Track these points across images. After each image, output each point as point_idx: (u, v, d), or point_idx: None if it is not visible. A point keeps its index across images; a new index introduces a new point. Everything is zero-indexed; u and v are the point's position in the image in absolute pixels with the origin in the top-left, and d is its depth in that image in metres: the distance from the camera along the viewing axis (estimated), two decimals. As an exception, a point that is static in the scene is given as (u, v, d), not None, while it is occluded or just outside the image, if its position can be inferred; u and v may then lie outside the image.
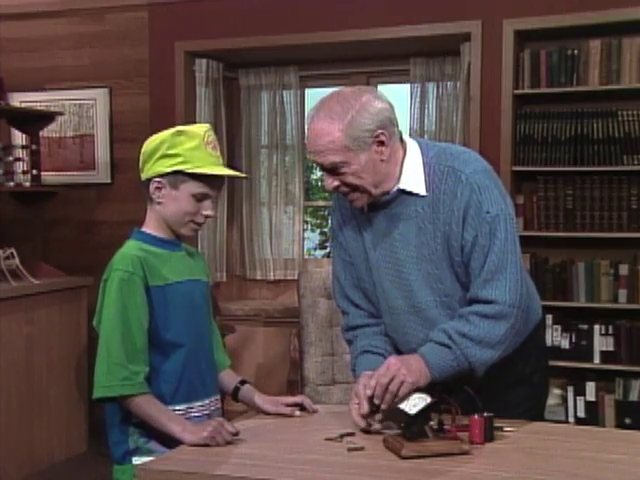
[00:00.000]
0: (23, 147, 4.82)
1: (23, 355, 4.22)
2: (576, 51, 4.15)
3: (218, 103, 5.02)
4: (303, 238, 5.28)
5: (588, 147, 4.11)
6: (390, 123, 2.06)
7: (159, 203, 2.07)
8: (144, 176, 2.08)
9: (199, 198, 2.06)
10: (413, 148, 2.14)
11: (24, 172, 4.77)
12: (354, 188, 2.07)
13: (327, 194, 7.01)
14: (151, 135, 2.10)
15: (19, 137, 5.05)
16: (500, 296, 2.05)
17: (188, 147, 2.03)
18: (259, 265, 5.17)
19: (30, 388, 4.27)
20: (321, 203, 6.63)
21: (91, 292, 4.75)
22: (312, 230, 6.95)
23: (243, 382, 2.26)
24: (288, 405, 2.20)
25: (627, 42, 4.08)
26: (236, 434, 1.96)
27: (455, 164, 2.09)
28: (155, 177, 2.05)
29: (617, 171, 4.10)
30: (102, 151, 5.16)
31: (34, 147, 4.78)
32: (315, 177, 7.24)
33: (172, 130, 2.06)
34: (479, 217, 2.05)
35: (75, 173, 5.20)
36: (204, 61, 4.92)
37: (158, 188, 2.06)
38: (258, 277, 5.18)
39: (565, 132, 4.15)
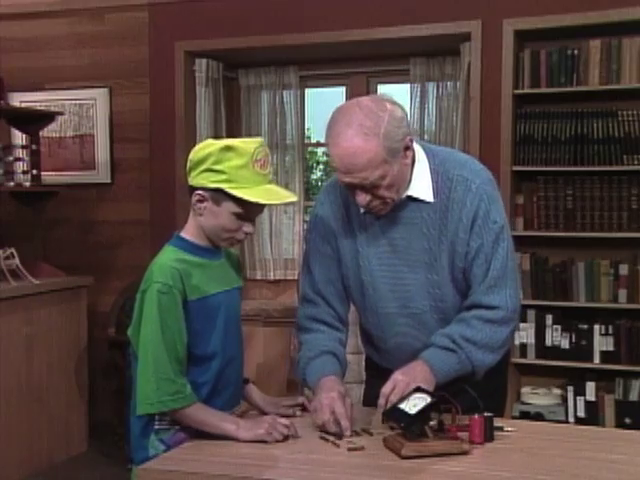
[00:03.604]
0: (23, 147, 4.81)
1: (23, 355, 4.22)
2: (576, 51, 4.15)
3: (218, 103, 5.02)
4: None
5: (588, 147, 4.11)
6: (409, 126, 2.06)
7: (200, 214, 2.02)
8: (189, 182, 2.02)
9: (240, 217, 2.01)
10: (420, 153, 2.14)
11: (24, 172, 4.76)
12: (383, 200, 2.05)
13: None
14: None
15: (19, 137, 5.04)
16: (503, 302, 2.09)
17: (234, 165, 1.94)
18: (259, 265, 5.18)
19: (30, 388, 4.27)
20: (321, 203, 6.64)
21: (91, 292, 4.75)
22: (312, 230, 6.94)
23: (246, 381, 2.25)
24: (290, 406, 2.19)
25: (627, 42, 4.08)
26: (289, 429, 1.97)
27: (464, 173, 2.10)
28: (198, 189, 1.99)
29: (617, 171, 4.10)
30: (102, 151, 5.16)
31: (34, 147, 4.78)
32: (315, 177, 7.24)
33: (222, 143, 1.97)
34: (486, 226, 2.08)
35: (75, 173, 5.20)
36: (204, 61, 4.92)
37: (200, 200, 2.00)
38: (258, 277, 5.18)
39: (565, 132, 4.15)
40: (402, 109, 2.04)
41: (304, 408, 2.21)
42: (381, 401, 1.98)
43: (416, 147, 2.13)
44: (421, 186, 2.11)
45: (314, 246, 2.27)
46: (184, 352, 1.99)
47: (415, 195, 2.11)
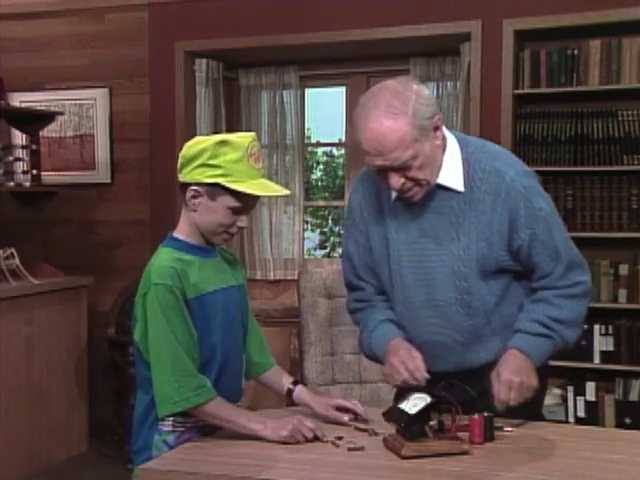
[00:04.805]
0: (23, 147, 4.81)
1: (23, 355, 4.22)
2: (576, 51, 4.15)
3: (218, 103, 5.02)
4: (303, 238, 5.27)
5: (588, 147, 4.11)
6: (438, 106, 2.07)
7: (194, 211, 2.01)
8: (181, 179, 2.01)
9: (236, 211, 2.00)
10: (452, 141, 2.13)
11: (24, 172, 4.77)
12: (417, 182, 2.04)
13: (327, 194, 7.01)
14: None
15: (19, 137, 5.04)
16: (582, 277, 2.14)
17: (230, 159, 1.95)
18: (259, 265, 5.17)
19: (30, 388, 4.27)
20: (321, 203, 6.64)
21: (91, 292, 4.75)
22: (312, 230, 6.94)
23: (295, 382, 2.23)
24: (339, 409, 2.15)
25: (627, 42, 4.08)
26: (315, 431, 1.98)
27: (497, 164, 2.10)
28: (193, 184, 1.99)
29: (617, 171, 4.10)
30: (102, 151, 5.16)
31: (34, 147, 4.78)
32: (315, 177, 7.24)
33: (216, 138, 1.97)
34: (533, 215, 2.09)
35: (75, 173, 5.20)
36: (204, 61, 4.93)
37: (195, 196, 1.99)
38: (258, 277, 5.18)
39: (565, 132, 4.15)
40: (429, 90, 2.06)
41: (355, 415, 2.15)
42: (500, 409, 2.01)
43: (448, 135, 2.13)
44: (451, 174, 2.09)
45: (351, 234, 2.28)
46: (197, 348, 2.00)
47: (445, 183, 2.09)
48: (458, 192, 2.09)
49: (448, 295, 2.13)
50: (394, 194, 2.13)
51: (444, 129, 2.11)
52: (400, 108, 1.96)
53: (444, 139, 2.10)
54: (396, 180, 2.02)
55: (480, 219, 2.08)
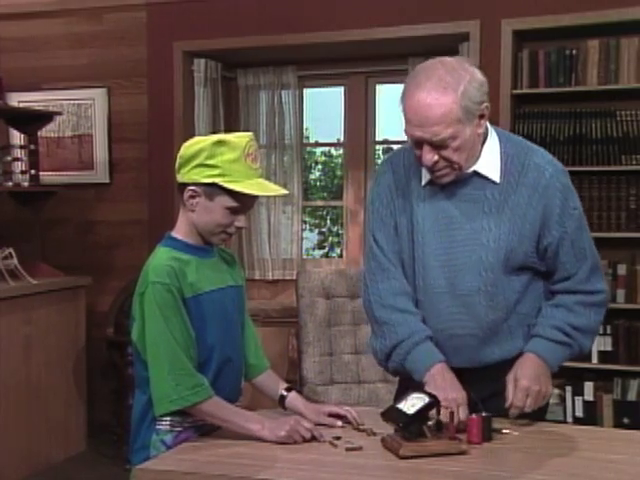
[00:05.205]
0: (21, 147, 4.81)
1: (22, 355, 4.22)
2: (574, 51, 4.15)
3: (216, 103, 5.02)
4: (301, 238, 5.27)
5: (586, 147, 4.11)
6: (489, 95, 2.05)
7: (192, 211, 2.01)
8: (179, 179, 2.02)
9: (233, 211, 2.00)
10: (493, 134, 2.12)
11: (22, 172, 4.76)
12: (450, 164, 2.02)
13: (325, 194, 7.01)
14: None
15: (17, 137, 5.04)
16: (602, 286, 2.17)
17: (227, 159, 1.95)
18: (257, 265, 5.17)
19: (29, 388, 4.27)
20: (319, 203, 6.63)
21: (89, 292, 4.75)
22: (310, 230, 6.93)
23: (289, 389, 2.21)
24: (331, 415, 2.14)
25: (625, 42, 4.08)
26: (312, 431, 1.98)
27: (537, 160, 2.10)
28: (190, 185, 1.99)
29: (615, 171, 4.10)
30: (100, 151, 5.15)
31: (32, 147, 4.78)
32: (313, 177, 7.23)
33: (213, 138, 1.97)
34: (567, 214, 2.11)
35: (74, 173, 5.20)
36: (202, 61, 4.92)
37: (192, 196, 1.99)
38: (257, 277, 5.18)
39: (563, 132, 4.15)
40: (484, 76, 2.04)
41: (347, 420, 2.14)
42: (514, 413, 2.03)
43: (490, 128, 2.12)
44: (489, 164, 2.09)
45: (377, 216, 2.21)
46: (194, 347, 1.99)
47: (482, 172, 2.08)
48: (494, 182, 2.08)
49: (472, 285, 2.09)
50: (424, 179, 2.12)
51: (487, 123, 2.09)
52: (451, 84, 1.95)
53: (486, 131, 2.09)
54: (430, 156, 2.00)
55: (515, 211, 2.07)
